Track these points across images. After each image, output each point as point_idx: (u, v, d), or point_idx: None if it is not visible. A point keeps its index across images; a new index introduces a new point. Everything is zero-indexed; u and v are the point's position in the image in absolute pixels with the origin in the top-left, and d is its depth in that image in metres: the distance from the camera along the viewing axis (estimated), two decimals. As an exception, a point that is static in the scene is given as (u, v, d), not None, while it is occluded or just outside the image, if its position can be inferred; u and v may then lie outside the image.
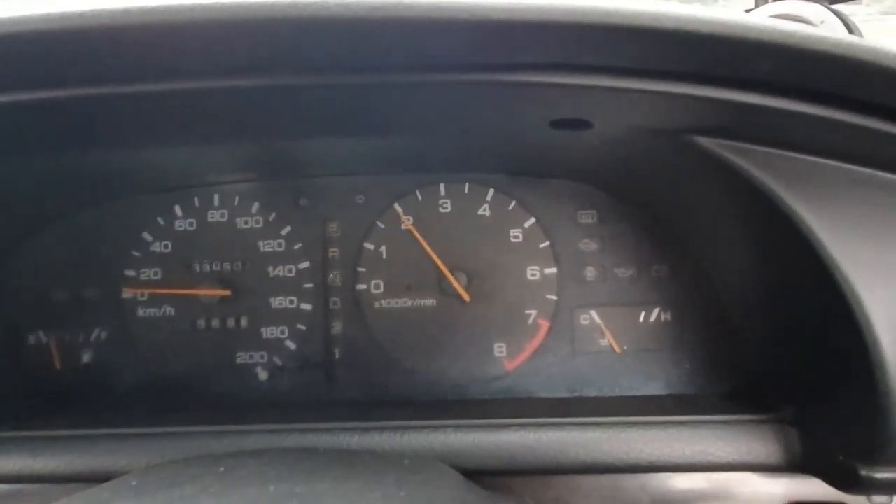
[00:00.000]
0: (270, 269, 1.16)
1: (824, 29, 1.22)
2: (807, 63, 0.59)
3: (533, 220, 1.14)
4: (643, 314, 1.13)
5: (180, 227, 1.17)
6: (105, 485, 0.70)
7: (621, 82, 0.66)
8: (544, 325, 1.13)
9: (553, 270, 1.14)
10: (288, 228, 1.16)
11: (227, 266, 1.16)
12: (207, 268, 1.16)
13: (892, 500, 0.86)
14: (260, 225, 1.17)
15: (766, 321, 0.95)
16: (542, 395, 1.11)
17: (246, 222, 1.17)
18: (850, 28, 1.24)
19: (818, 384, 0.83)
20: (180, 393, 1.14)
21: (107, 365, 1.16)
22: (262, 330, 1.16)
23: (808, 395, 0.85)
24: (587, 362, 1.12)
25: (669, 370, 1.10)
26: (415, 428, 0.90)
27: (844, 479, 0.77)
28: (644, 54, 0.63)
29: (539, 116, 0.76)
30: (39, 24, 0.56)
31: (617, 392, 1.10)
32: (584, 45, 0.62)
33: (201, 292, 1.14)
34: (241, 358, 1.16)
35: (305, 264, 1.16)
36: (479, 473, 0.86)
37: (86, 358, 1.17)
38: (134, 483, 0.68)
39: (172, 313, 1.17)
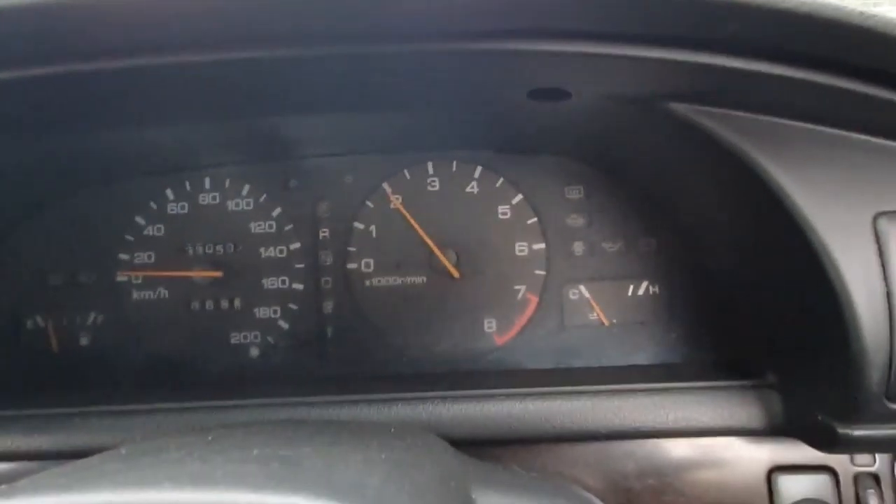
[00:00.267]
0: (262, 250, 1.18)
1: None
2: (773, 23, 0.60)
3: (520, 196, 1.15)
4: (631, 288, 1.14)
5: (172, 210, 1.19)
6: (97, 455, 0.72)
7: (596, 48, 0.66)
8: (533, 300, 1.14)
9: (541, 246, 1.15)
10: (278, 210, 1.18)
11: (219, 248, 1.18)
12: (200, 250, 1.18)
13: (873, 460, 0.87)
14: (251, 207, 1.18)
15: (750, 288, 0.96)
16: (530, 367, 1.13)
17: (237, 204, 1.18)
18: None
19: (798, 348, 0.84)
20: (176, 373, 1.16)
21: (103, 347, 1.18)
22: (255, 310, 1.17)
23: (790, 360, 0.86)
24: (576, 336, 1.14)
25: (657, 341, 1.11)
26: (403, 399, 0.91)
27: (824, 440, 0.78)
28: (617, 18, 0.64)
29: (516, 86, 0.77)
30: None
31: (604, 363, 1.11)
32: (558, 10, 0.62)
33: (194, 274, 1.16)
34: (235, 338, 1.18)
35: (296, 245, 1.17)
36: (466, 443, 0.87)
37: (83, 341, 1.19)
38: (123, 451, 0.69)
39: (167, 295, 1.18)
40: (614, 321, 1.13)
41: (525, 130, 1.03)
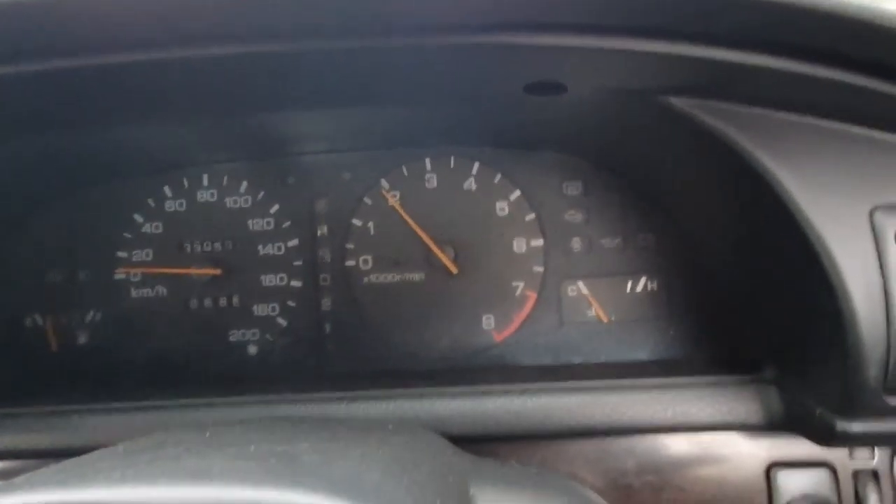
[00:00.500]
0: (260, 247, 1.18)
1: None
2: (770, 15, 0.60)
3: (518, 192, 1.15)
4: (630, 284, 1.14)
5: (170, 207, 1.19)
6: (95, 451, 0.71)
7: (592, 41, 0.66)
8: (532, 296, 1.14)
9: (539, 242, 1.14)
10: (276, 207, 1.18)
11: (217, 245, 1.18)
12: (198, 247, 1.18)
13: (872, 456, 0.87)
14: (249, 204, 1.18)
15: (748, 283, 0.96)
16: (529, 363, 1.13)
17: (235, 202, 1.18)
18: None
19: (797, 343, 0.84)
20: (174, 371, 1.16)
21: (102, 345, 1.18)
22: (254, 307, 1.17)
23: (788, 355, 0.86)
24: (575, 332, 1.13)
25: (655, 338, 1.11)
26: (401, 396, 0.91)
27: (823, 434, 0.78)
28: (613, 10, 0.63)
29: (512, 80, 0.76)
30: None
31: (603, 359, 1.11)
32: (553, 3, 0.62)
33: (193, 271, 1.16)
34: (234, 335, 1.18)
35: (294, 242, 1.17)
36: (465, 440, 0.87)
37: (81, 339, 1.19)
38: (121, 448, 0.69)
39: (165, 293, 1.18)
40: (613, 318, 1.13)
41: (522, 126, 1.03)
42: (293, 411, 0.92)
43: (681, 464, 0.94)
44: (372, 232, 1.16)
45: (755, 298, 0.94)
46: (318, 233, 1.17)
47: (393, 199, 1.15)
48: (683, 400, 0.88)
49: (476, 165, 1.15)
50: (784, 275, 0.83)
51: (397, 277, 1.16)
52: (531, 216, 1.14)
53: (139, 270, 1.18)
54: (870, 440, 0.78)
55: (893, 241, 0.70)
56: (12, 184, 1.07)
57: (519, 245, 1.15)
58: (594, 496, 0.82)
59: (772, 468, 0.91)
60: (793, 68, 0.67)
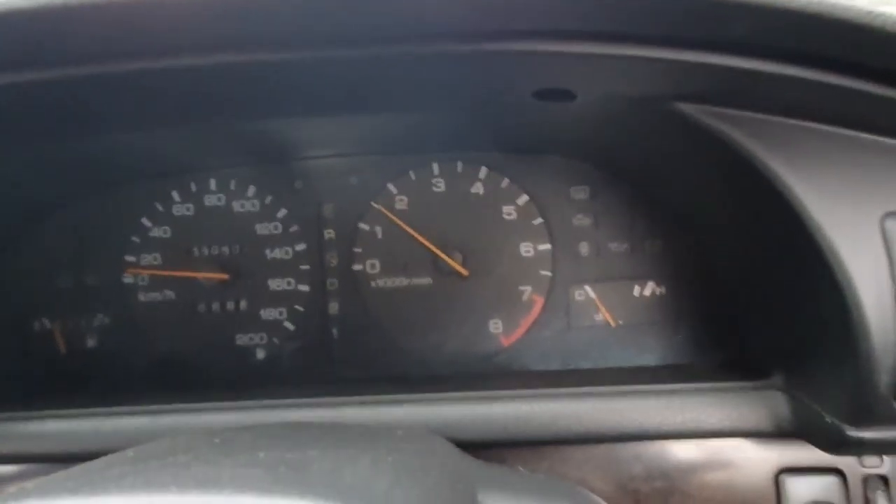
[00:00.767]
0: (268, 251, 1.18)
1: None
2: (780, 23, 0.59)
3: (526, 197, 1.14)
4: (637, 288, 1.13)
5: (178, 212, 1.19)
6: (104, 457, 0.72)
7: (601, 48, 0.66)
8: (539, 301, 1.14)
9: (547, 247, 1.14)
10: (284, 211, 1.18)
11: (225, 250, 1.18)
12: (206, 252, 1.18)
13: (882, 461, 0.86)
14: (256, 208, 1.18)
15: (757, 289, 0.95)
16: (537, 369, 1.12)
17: (242, 206, 1.19)
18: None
19: (806, 349, 0.83)
20: (182, 375, 1.16)
21: (110, 349, 1.19)
22: (261, 312, 1.18)
23: (797, 361, 0.86)
24: (583, 337, 1.13)
25: (663, 342, 1.11)
26: (409, 401, 0.91)
27: (832, 442, 0.78)
28: (622, 18, 0.63)
29: (521, 87, 0.76)
30: (20, 4, 0.57)
31: (611, 364, 1.11)
32: (563, 10, 0.62)
33: (201, 275, 1.16)
34: (241, 340, 1.18)
35: (302, 246, 1.18)
36: (473, 445, 0.87)
37: (90, 342, 1.19)
38: (130, 454, 0.70)
39: (173, 297, 1.19)
40: (621, 322, 1.13)
41: (530, 131, 1.03)
42: (301, 415, 0.92)
43: (689, 469, 0.93)
44: (379, 236, 1.16)
45: (764, 304, 0.94)
46: (326, 237, 1.17)
47: (400, 204, 1.15)
48: (692, 406, 0.88)
49: (483, 170, 1.15)
50: (794, 281, 0.82)
51: (405, 282, 1.16)
52: (539, 221, 1.14)
53: (147, 272, 1.18)
54: (880, 448, 0.78)
55: (904, 248, 0.69)
56: (23, 189, 1.08)
57: (526, 249, 1.14)
58: (602, 503, 0.81)
59: (780, 474, 0.90)
60: (803, 75, 0.67)
